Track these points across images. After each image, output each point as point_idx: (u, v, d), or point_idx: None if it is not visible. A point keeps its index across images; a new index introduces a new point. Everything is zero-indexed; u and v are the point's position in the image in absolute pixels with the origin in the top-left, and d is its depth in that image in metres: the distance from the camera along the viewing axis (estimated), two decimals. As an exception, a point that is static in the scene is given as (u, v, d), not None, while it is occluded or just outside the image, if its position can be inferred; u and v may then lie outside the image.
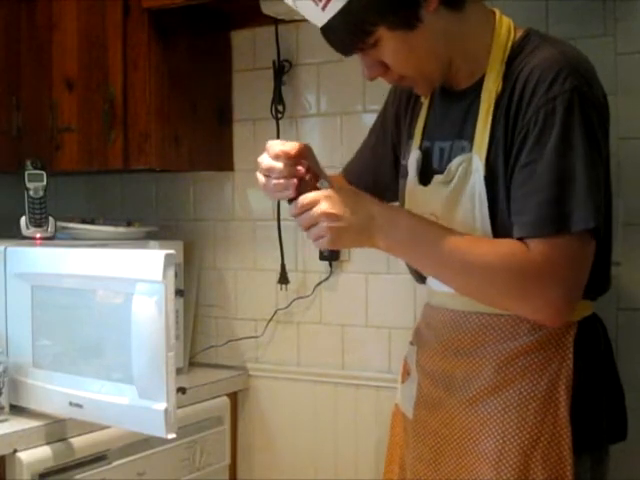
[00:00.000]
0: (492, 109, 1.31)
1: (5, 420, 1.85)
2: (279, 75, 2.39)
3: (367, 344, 2.30)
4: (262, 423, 2.46)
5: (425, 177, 1.43)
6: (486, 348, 1.36)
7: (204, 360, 2.56)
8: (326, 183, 1.34)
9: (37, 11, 2.35)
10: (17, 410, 1.90)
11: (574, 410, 1.33)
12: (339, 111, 2.34)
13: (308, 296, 2.38)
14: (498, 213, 1.31)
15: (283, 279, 2.41)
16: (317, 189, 1.32)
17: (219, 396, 2.36)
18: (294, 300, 2.41)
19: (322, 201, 1.27)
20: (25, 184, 2.20)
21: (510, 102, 1.29)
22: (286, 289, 2.42)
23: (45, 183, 2.22)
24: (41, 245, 2.16)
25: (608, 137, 1.33)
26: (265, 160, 1.33)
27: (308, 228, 1.30)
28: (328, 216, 1.26)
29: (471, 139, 1.34)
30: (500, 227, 1.31)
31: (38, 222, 2.20)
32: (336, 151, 2.33)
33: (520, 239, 1.26)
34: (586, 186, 1.21)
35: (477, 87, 1.36)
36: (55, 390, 1.85)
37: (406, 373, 1.61)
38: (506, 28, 1.36)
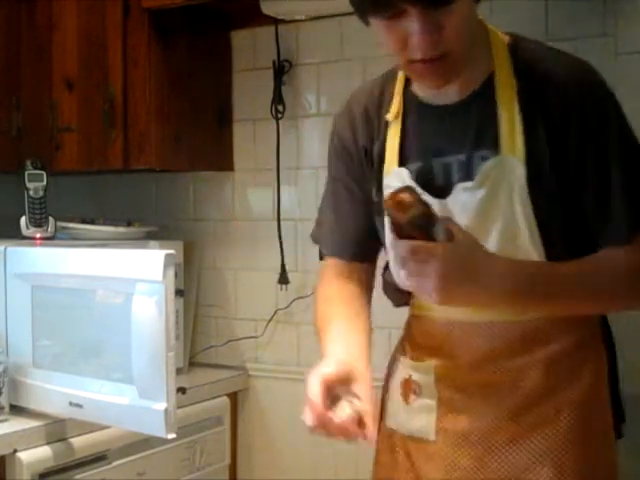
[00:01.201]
0: (517, 107, 1.26)
1: (5, 420, 1.85)
2: (279, 75, 2.39)
3: (367, 344, 2.30)
4: (262, 423, 2.45)
5: (435, 192, 1.32)
6: (530, 354, 1.33)
7: (204, 360, 2.56)
8: (441, 232, 1.18)
9: (37, 11, 2.35)
10: (17, 410, 1.90)
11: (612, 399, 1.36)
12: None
13: (308, 296, 2.38)
14: (544, 214, 1.27)
15: (283, 279, 2.41)
16: (427, 234, 1.17)
17: (219, 396, 2.36)
18: (294, 300, 2.40)
19: (436, 259, 1.15)
20: (25, 184, 2.20)
21: (547, 103, 1.25)
22: (286, 289, 2.42)
23: (45, 183, 2.22)
24: (41, 245, 2.16)
25: None
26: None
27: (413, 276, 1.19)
28: (441, 279, 1.16)
29: (494, 145, 1.27)
30: (546, 227, 1.28)
31: (38, 222, 2.20)
32: (336, 151, 2.33)
33: (613, 243, 1.27)
34: None
35: (483, 91, 1.29)
36: (55, 390, 1.85)
37: (411, 393, 1.45)
38: (494, 30, 1.33)
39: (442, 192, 1.31)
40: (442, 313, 1.38)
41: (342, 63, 2.32)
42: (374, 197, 1.41)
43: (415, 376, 1.44)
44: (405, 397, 1.45)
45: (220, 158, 2.48)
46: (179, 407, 1.68)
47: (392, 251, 1.27)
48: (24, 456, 1.78)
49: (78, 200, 2.74)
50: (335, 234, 1.51)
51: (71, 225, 2.34)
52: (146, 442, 2.00)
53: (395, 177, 1.35)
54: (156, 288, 1.62)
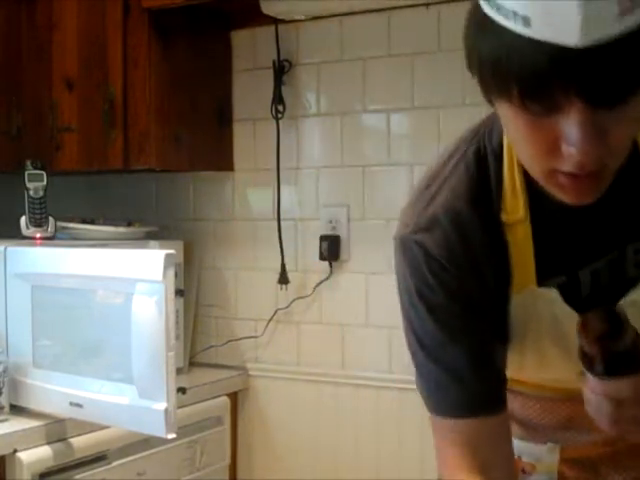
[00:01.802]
0: None
1: (5, 420, 1.85)
2: (279, 75, 2.39)
3: (367, 344, 2.30)
4: (262, 423, 2.45)
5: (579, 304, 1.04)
6: None
7: (204, 360, 2.56)
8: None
9: (37, 11, 2.35)
10: (17, 410, 1.90)
11: None
12: (339, 111, 2.33)
13: (308, 296, 2.38)
14: None
15: (283, 279, 2.41)
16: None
17: (219, 396, 2.36)
18: (294, 300, 2.41)
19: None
20: (25, 184, 2.20)
21: None
22: (286, 289, 2.42)
23: (45, 183, 2.22)
24: (41, 245, 2.16)
25: None
26: None
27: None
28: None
29: None
30: None
31: (38, 222, 2.20)
32: (336, 151, 2.33)
33: None
34: None
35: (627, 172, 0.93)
36: (55, 390, 1.85)
37: (521, 471, 1.24)
38: None
39: (588, 302, 1.03)
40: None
41: (342, 63, 2.32)
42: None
43: (530, 457, 1.24)
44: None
45: (220, 158, 2.48)
46: (179, 407, 1.68)
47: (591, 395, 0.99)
48: (24, 456, 1.78)
49: (78, 200, 2.74)
50: (461, 390, 1.06)
51: (71, 225, 2.34)
52: (146, 442, 2.00)
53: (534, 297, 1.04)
54: (156, 288, 1.62)
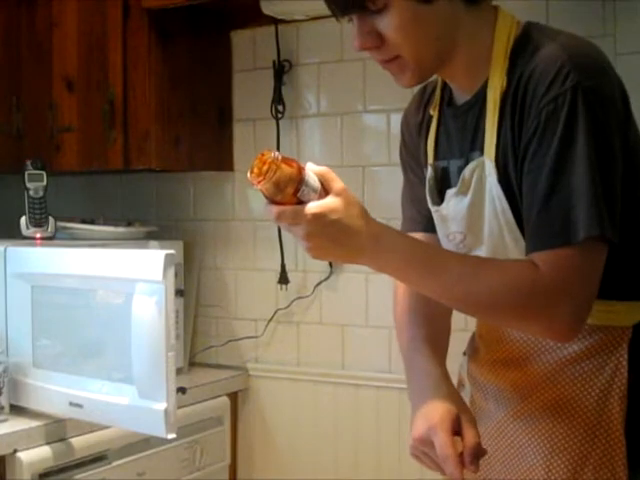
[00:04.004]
0: (498, 107, 1.21)
1: (5, 420, 1.85)
2: (279, 75, 2.39)
3: (367, 344, 2.30)
4: (262, 423, 2.45)
5: (441, 196, 1.33)
6: (535, 359, 1.28)
7: (204, 360, 2.56)
8: (308, 194, 1.11)
9: (37, 11, 2.35)
10: (17, 410, 1.90)
11: (630, 423, 1.21)
12: (339, 111, 2.34)
13: (308, 296, 2.38)
14: (519, 214, 1.21)
15: (283, 279, 2.41)
16: (295, 197, 1.10)
17: (219, 396, 2.36)
18: (294, 300, 2.41)
19: (304, 226, 1.10)
20: (25, 184, 2.21)
21: (515, 102, 1.19)
22: (286, 289, 2.42)
23: (45, 183, 2.22)
24: (41, 245, 2.16)
25: (630, 129, 1.21)
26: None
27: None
28: (307, 240, 1.12)
29: (482, 145, 1.24)
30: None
31: (38, 222, 2.20)
32: (336, 151, 2.33)
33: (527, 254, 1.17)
34: (589, 191, 1.11)
35: (483, 90, 1.25)
36: (55, 390, 1.85)
37: (460, 384, 1.48)
38: (507, 23, 1.26)
39: (443, 196, 1.31)
40: None
41: (342, 63, 2.32)
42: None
43: (462, 370, 1.48)
44: (457, 389, 1.42)
45: (220, 158, 2.48)
46: (179, 407, 1.68)
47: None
48: (24, 456, 1.78)
49: (78, 200, 2.74)
50: (407, 212, 1.52)
51: (71, 225, 2.34)
52: (146, 442, 2.00)
53: (428, 172, 1.36)
54: (156, 288, 1.62)
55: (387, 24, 1.18)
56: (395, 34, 1.19)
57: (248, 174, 1.09)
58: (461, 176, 1.26)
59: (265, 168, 1.07)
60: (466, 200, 1.26)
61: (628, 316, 1.23)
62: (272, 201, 1.10)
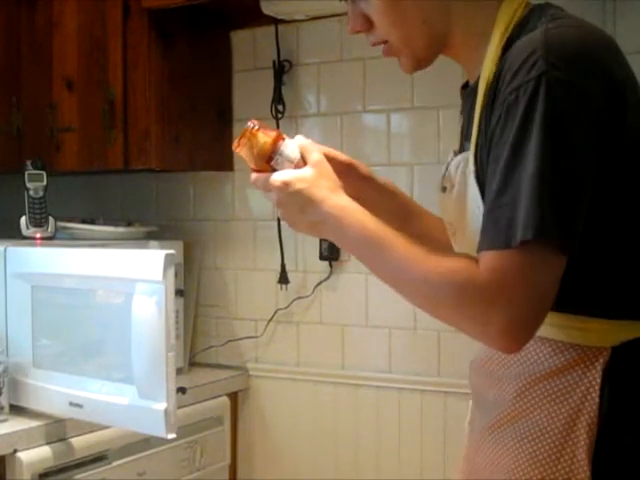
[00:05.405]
0: (484, 98, 1.14)
1: (5, 420, 1.85)
2: (279, 75, 2.39)
3: (367, 344, 2.30)
4: (262, 423, 2.46)
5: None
6: (510, 371, 1.19)
7: (204, 360, 2.56)
8: (282, 162, 1.18)
9: (37, 11, 2.35)
10: (17, 410, 1.90)
11: (600, 453, 1.10)
12: (339, 111, 2.34)
13: (308, 296, 2.38)
14: None
15: (283, 279, 2.41)
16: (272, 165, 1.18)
17: (219, 396, 2.36)
18: (294, 300, 2.41)
19: (274, 193, 1.17)
20: (25, 184, 2.21)
21: (493, 93, 1.11)
22: (286, 289, 2.42)
23: (45, 183, 2.22)
24: (41, 245, 2.16)
25: (631, 126, 1.09)
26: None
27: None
28: (279, 207, 1.19)
29: (471, 137, 1.18)
30: None
31: (38, 222, 2.20)
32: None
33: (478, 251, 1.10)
34: (536, 190, 1.01)
35: (476, 83, 1.19)
36: (55, 390, 1.85)
37: None
38: (513, 5, 1.17)
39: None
40: None
41: (342, 63, 2.32)
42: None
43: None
44: None
45: (220, 158, 2.48)
46: (179, 407, 1.68)
47: None
48: (24, 456, 1.78)
49: (78, 200, 2.74)
50: None
51: (71, 225, 2.34)
52: (146, 442, 2.00)
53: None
54: (156, 288, 1.62)
55: (371, 8, 1.19)
56: (379, 18, 1.19)
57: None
58: (447, 170, 1.23)
59: (240, 136, 1.17)
60: (453, 194, 1.21)
61: (604, 336, 1.11)
62: (252, 169, 1.20)
